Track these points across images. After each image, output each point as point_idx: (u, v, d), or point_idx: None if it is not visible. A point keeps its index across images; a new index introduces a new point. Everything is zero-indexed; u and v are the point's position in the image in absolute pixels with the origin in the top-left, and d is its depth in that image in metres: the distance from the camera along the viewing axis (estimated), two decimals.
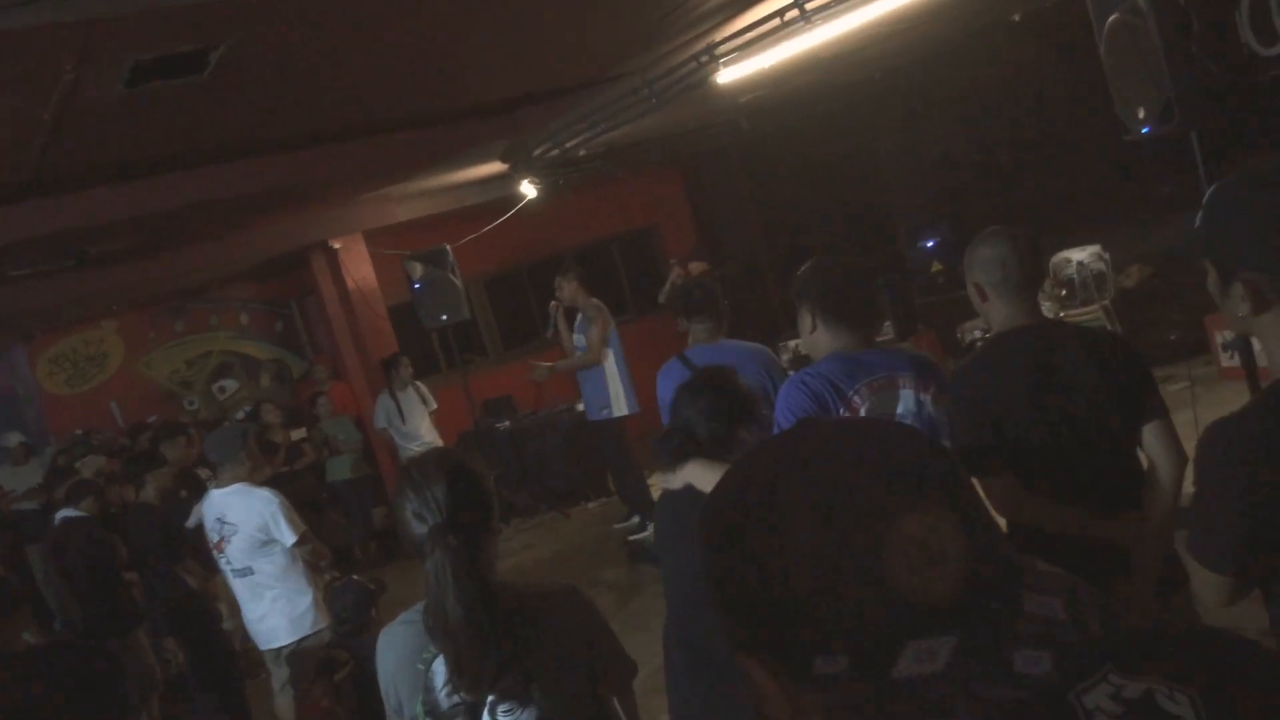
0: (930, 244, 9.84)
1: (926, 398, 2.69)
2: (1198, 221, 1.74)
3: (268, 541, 4.69)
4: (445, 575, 1.95)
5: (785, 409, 2.71)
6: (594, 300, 7.50)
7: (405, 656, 2.04)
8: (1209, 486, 1.69)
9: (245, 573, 4.79)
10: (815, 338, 2.88)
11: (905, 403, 2.66)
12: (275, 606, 4.80)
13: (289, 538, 4.69)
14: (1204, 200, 1.72)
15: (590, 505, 8.87)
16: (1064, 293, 7.20)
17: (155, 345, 9.76)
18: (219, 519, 4.76)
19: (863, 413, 2.64)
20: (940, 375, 2.77)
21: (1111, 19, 3.76)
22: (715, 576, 0.75)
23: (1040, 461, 2.51)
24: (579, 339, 7.50)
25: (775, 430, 2.76)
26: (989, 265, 2.58)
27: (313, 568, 4.89)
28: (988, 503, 2.62)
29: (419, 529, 2.00)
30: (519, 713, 1.95)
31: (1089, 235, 7.71)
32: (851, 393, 2.66)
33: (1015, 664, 0.65)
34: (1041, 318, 2.66)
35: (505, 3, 4.60)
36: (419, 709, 2.00)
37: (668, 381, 4.05)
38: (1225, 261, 1.66)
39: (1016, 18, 7.81)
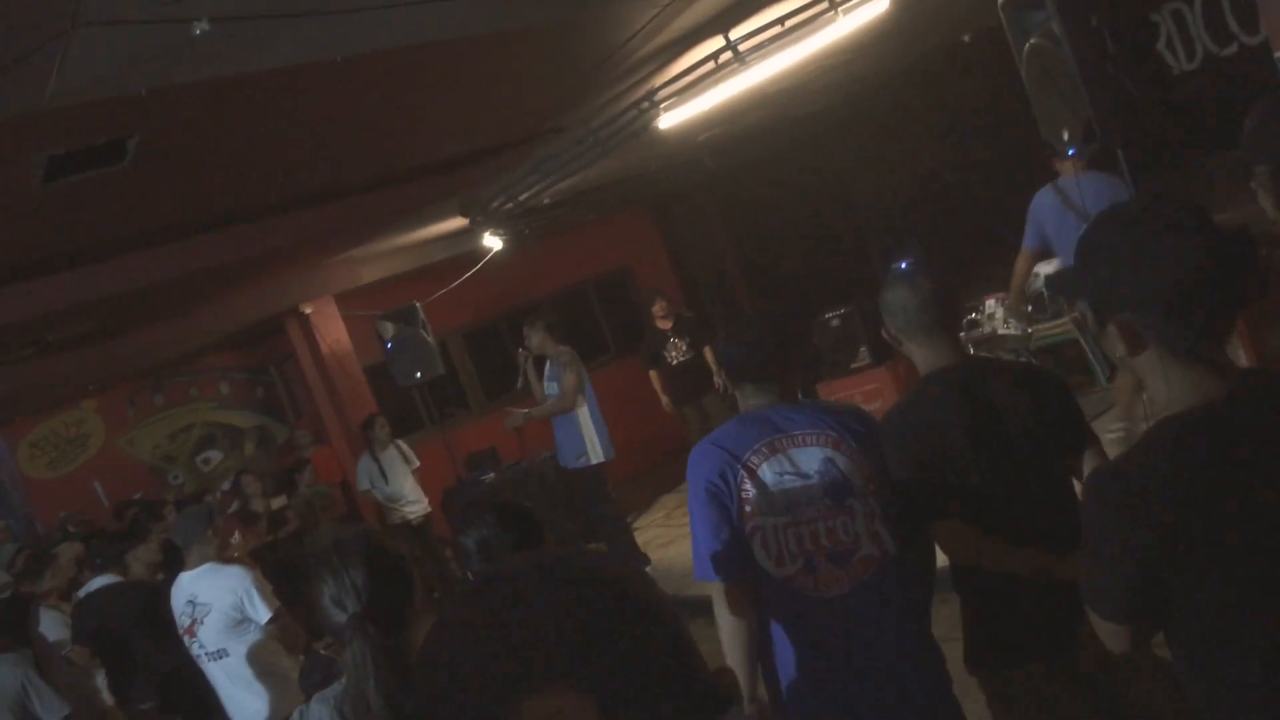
0: (903, 266, 9.83)
1: (839, 455, 2.57)
2: (1070, 265, 1.72)
3: (242, 620, 4.61)
4: (365, 665, 1.91)
5: (692, 477, 2.66)
6: (564, 347, 7.50)
7: None
8: (1094, 535, 1.66)
9: (219, 655, 4.69)
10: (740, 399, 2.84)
11: (810, 461, 2.59)
12: (253, 689, 4.71)
13: (263, 615, 4.61)
14: (1076, 242, 1.70)
15: (592, 548, 8.81)
16: (1030, 308, 7.18)
17: (136, 422, 9.75)
18: (190, 601, 4.67)
19: (762, 474, 2.57)
20: (867, 426, 2.68)
21: (1028, 44, 3.78)
22: None
23: (984, 502, 2.48)
24: (551, 386, 7.49)
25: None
26: (892, 310, 2.59)
27: (287, 647, 4.81)
28: (940, 545, 2.58)
29: (337, 616, 1.97)
30: None
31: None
32: (748, 455, 2.60)
33: None
34: (964, 356, 2.64)
35: (440, 66, 4.62)
36: None
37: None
38: (1100, 303, 1.64)
39: (966, 39, 7.87)
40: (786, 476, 2.56)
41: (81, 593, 5.36)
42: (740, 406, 2.79)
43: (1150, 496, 1.56)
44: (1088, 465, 2.53)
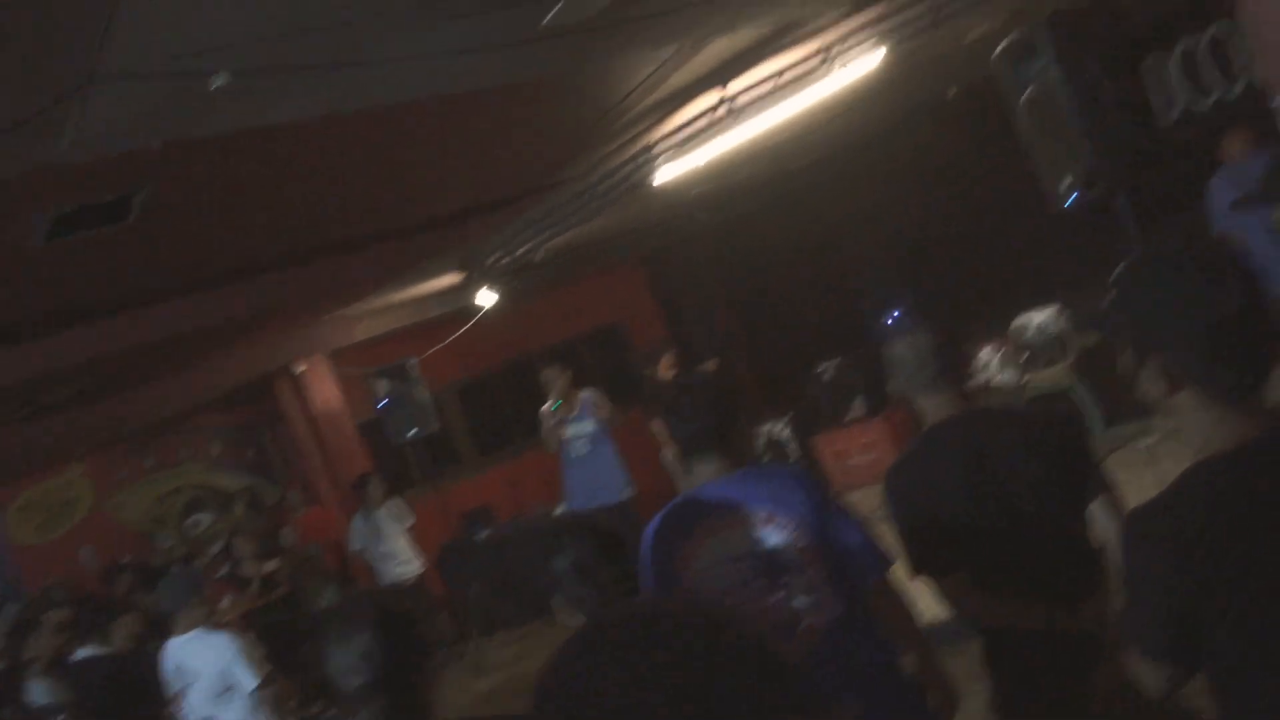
0: (895, 316, 9.88)
1: (771, 531, 2.45)
2: (1106, 303, 1.73)
3: (228, 688, 4.53)
4: None
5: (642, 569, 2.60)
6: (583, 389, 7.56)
7: None
8: (1135, 574, 1.65)
9: None
10: None
11: (741, 543, 2.46)
12: None
13: (250, 682, 4.53)
14: (1111, 280, 1.72)
15: None
16: (1026, 357, 7.21)
17: (125, 485, 9.62)
18: (177, 667, 4.61)
19: (697, 562, 2.47)
20: (805, 491, 2.51)
21: (1025, 94, 3.82)
22: None
23: (988, 556, 2.44)
24: (583, 426, 7.44)
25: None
26: (894, 366, 2.58)
27: (279, 713, 4.72)
28: (947, 601, 2.54)
29: (345, 686, 1.91)
30: None
31: (1049, 296, 7.78)
32: (682, 542, 2.50)
33: None
34: (968, 406, 2.62)
35: (440, 121, 4.66)
36: None
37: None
38: (1136, 343, 1.65)
39: (952, 93, 7.99)
40: (719, 562, 2.47)
41: (70, 660, 5.25)
42: (684, 480, 2.72)
43: (1187, 539, 1.56)
44: (1100, 513, 2.49)
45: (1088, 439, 2.61)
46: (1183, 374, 1.60)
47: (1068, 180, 3.77)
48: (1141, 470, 2.61)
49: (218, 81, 2.40)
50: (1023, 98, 3.82)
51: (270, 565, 8.56)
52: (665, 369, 9.26)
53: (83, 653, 5.22)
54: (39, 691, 4.64)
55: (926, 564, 2.43)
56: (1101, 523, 2.48)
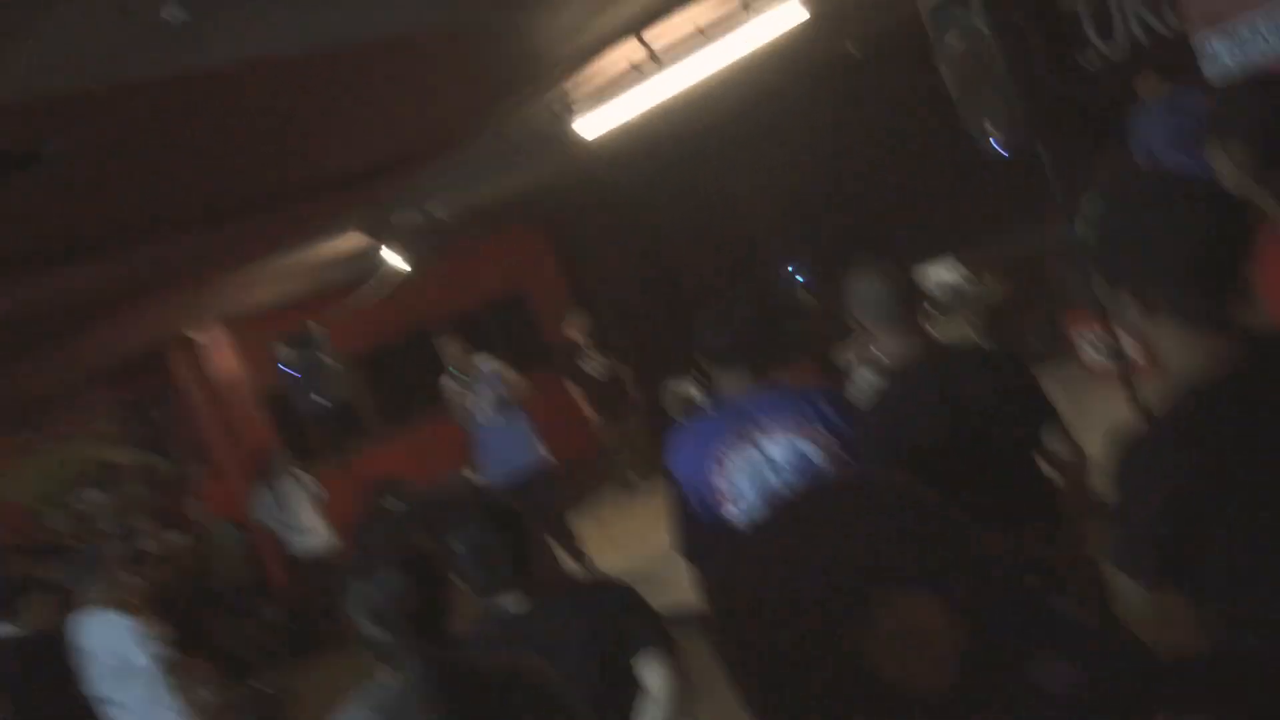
0: (799, 274, 10.05)
1: (808, 444, 2.59)
2: (1081, 231, 1.77)
3: (124, 667, 4.39)
4: (421, 687, 1.78)
5: (669, 463, 2.69)
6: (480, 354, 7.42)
7: None
8: (1127, 501, 1.69)
9: (108, 703, 4.48)
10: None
11: (779, 450, 2.61)
12: None
13: (143, 662, 4.40)
14: (1087, 211, 1.76)
15: None
16: (932, 311, 7.41)
17: (12, 462, 9.12)
18: (77, 648, 4.47)
19: (731, 464, 2.61)
20: (841, 410, 2.67)
21: (952, 43, 3.89)
22: (728, 665, 0.69)
23: (955, 489, 2.50)
24: (486, 393, 7.30)
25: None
26: (861, 300, 2.61)
27: (187, 687, 4.58)
28: None
29: (378, 632, 1.83)
30: None
31: (943, 249, 8.00)
32: (718, 445, 2.65)
33: None
34: (932, 343, 2.68)
35: (347, 72, 4.49)
36: None
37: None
38: (1113, 274, 1.69)
39: (852, 50, 8.09)
40: (756, 465, 2.60)
41: None
42: (715, 392, 2.81)
43: (1176, 463, 1.61)
44: (1049, 439, 2.61)
45: (1033, 372, 2.70)
46: (1157, 300, 1.64)
47: (992, 130, 3.87)
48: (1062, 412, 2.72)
49: (171, 14, 2.24)
50: (949, 46, 3.89)
51: (172, 539, 8.26)
52: (572, 331, 9.23)
53: None
54: None
55: None
56: (1051, 448, 2.60)
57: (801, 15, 5.21)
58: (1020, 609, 0.67)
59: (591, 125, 6.00)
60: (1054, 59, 3.66)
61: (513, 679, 1.94)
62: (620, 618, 2.40)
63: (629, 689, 2.35)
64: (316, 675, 7.52)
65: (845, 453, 2.62)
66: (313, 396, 7.73)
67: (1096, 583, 2.49)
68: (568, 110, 5.68)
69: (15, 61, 2.42)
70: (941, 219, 8.53)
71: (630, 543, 7.69)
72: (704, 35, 5.29)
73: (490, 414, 7.26)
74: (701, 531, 2.68)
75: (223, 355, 9.09)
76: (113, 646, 4.41)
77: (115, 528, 8.60)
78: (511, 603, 2.38)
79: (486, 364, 7.40)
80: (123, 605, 4.59)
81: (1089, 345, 6.94)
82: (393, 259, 8.07)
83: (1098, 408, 4.09)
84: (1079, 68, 3.71)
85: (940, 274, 7.91)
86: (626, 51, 5.42)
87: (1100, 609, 2.49)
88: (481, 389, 7.30)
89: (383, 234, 7.62)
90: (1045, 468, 2.65)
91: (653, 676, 2.35)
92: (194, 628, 7.09)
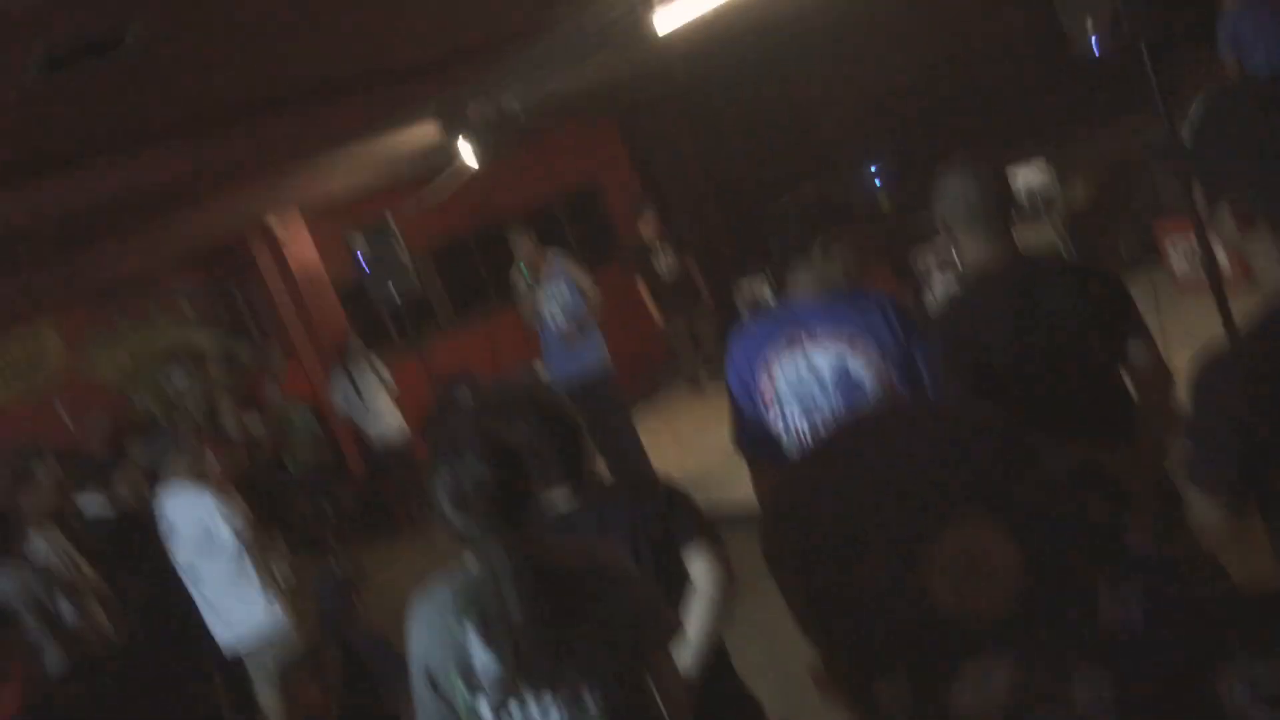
0: (877, 176, 9.79)
1: (852, 356, 2.54)
2: (1185, 137, 1.70)
3: (208, 540, 4.59)
4: (503, 573, 1.82)
5: (726, 363, 2.73)
6: (552, 249, 7.34)
7: (439, 628, 1.93)
8: (1200, 412, 1.65)
9: (192, 574, 4.71)
10: None
11: (824, 361, 2.59)
12: (225, 607, 4.71)
13: (227, 535, 4.59)
14: (1189, 119, 1.68)
15: None
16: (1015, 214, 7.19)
17: (96, 342, 9.46)
18: (163, 519, 4.68)
19: (779, 369, 2.63)
20: (894, 320, 2.59)
21: None
22: (787, 596, 0.69)
23: (1030, 399, 2.46)
24: (559, 292, 7.14)
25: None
26: (951, 200, 2.52)
27: (265, 564, 4.78)
28: None
29: (461, 517, 1.87)
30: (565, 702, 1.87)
31: (1032, 150, 7.71)
32: (768, 350, 2.66)
33: (1076, 687, 0.59)
34: (1017, 252, 2.60)
35: None
36: (457, 681, 1.90)
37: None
38: (1210, 183, 1.63)
39: None
40: (801, 375, 2.62)
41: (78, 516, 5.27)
42: (781, 293, 2.80)
43: (1260, 379, 1.56)
44: (1134, 353, 2.53)
45: (1126, 287, 2.61)
46: (1256, 212, 1.58)
47: (1090, 26, 3.68)
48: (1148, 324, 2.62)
49: None
50: None
51: (252, 422, 8.54)
52: (644, 227, 9.17)
53: (86, 503, 5.24)
54: (41, 544, 4.64)
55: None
56: (1133, 364, 2.52)
57: None
58: (1087, 539, 0.65)
59: (668, 19, 5.84)
60: None
61: (591, 564, 1.98)
62: (665, 514, 2.43)
63: (676, 584, 2.39)
64: (389, 558, 7.82)
65: (897, 370, 2.57)
66: (385, 286, 7.82)
67: (1173, 505, 2.44)
68: (644, 2, 5.53)
69: None
70: (1031, 118, 8.20)
71: (696, 441, 7.74)
72: None
73: (558, 316, 7.13)
74: (754, 431, 2.73)
75: (301, 244, 9.24)
76: (196, 519, 4.60)
77: (199, 408, 8.91)
78: (560, 500, 2.42)
79: (558, 261, 7.29)
80: (205, 480, 4.79)
81: (1181, 255, 6.69)
82: (466, 151, 8.05)
83: (1186, 320, 3.95)
84: None
85: (1028, 176, 7.64)
86: None
87: (1176, 533, 2.45)
88: (551, 289, 7.17)
89: (457, 125, 7.58)
90: (1128, 383, 2.58)
91: (699, 571, 2.39)
92: (272, 507, 7.38)
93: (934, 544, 0.61)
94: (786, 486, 0.73)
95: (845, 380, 2.54)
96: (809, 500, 0.68)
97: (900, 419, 0.74)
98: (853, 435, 0.72)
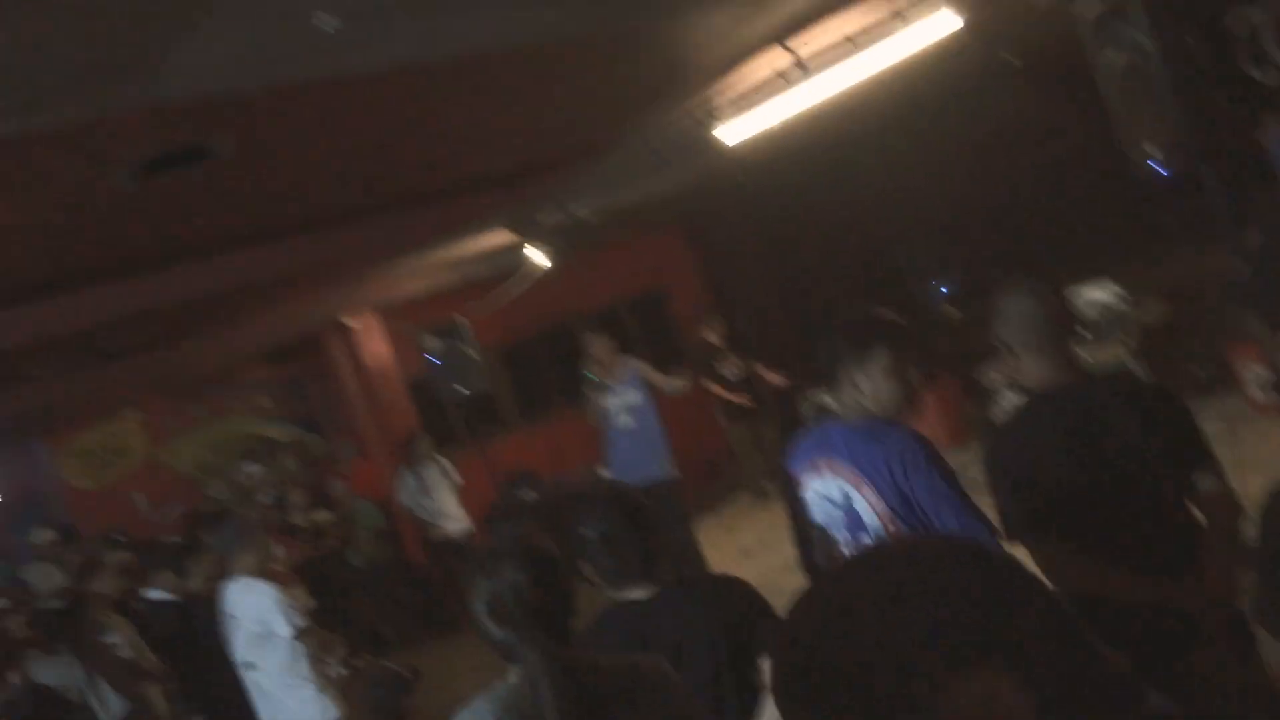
0: (944, 289, 9.78)
1: (854, 493, 2.52)
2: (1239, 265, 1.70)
3: (267, 635, 4.63)
4: (543, 685, 1.78)
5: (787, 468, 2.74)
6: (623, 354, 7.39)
7: None
8: (1276, 549, 1.60)
9: (249, 667, 4.74)
10: None
11: (834, 490, 2.58)
12: (275, 703, 4.73)
13: (286, 631, 4.62)
14: (1246, 248, 1.68)
15: None
16: (1086, 334, 7.09)
17: (177, 433, 9.76)
18: (225, 612, 4.74)
19: (807, 486, 2.66)
20: (905, 456, 2.49)
21: (1115, 60, 3.73)
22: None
23: (1089, 526, 2.41)
24: (628, 395, 7.10)
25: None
26: (1012, 321, 2.52)
27: (321, 660, 4.80)
28: (1041, 571, 2.51)
29: (499, 629, 1.84)
30: None
31: (1099, 273, 7.64)
32: (803, 467, 2.70)
33: None
34: (1078, 371, 2.58)
35: (491, 82, 4.62)
36: None
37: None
38: (1270, 310, 1.62)
39: (1017, 64, 7.82)
40: (821, 497, 2.63)
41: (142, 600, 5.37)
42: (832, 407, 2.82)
43: None
44: (1203, 484, 2.46)
45: (1191, 411, 2.56)
46: None
47: (1154, 150, 3.69)
48: (1221, 449, 2.55)
49: (323, 21, 2.39)
50: (1111, 63, 3.73)
51: (320, 516, 8.66)
52: (709, 333, 9.24)
53: (153, 593, 5.34)
54: (105, 631, 4.74)
55: (1025, 530, 2.41)
56: (1202, 495, 2.45)
57: (954, 24, 5.08)
58: (1107, 691, 0.65)
59: (734, 131, 6.00)
60: (1222, 77, 3.46)
61: (634, 678, 1.95)
62: (748, 616, 2.37)
63: (750, 687, 2.34)
64: (448, 655, 7.78)
65: (901, 510, 2.51)
66: (454, 385, 7.98)
67: (1241, 639, 2.34)
68: (711, 116, 5.70)
69: (182, 65, 2.60)
70: (1097, 238, 8.16)
71: (759, 551, 7.65)
72: (852, 44, 5.21)
73: (628, 418, 7.10)
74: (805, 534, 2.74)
75: (374, 342, 9.49)
76: (258, 614, 4.64)
77: (269, 500, 9.08)
78: (639, 594, 2.40)
79: (630, 363, 7.31)
80: (270, 575, 4.85)
81: (1254, 379, 6.53)
82: (535, 255, 8.27)
83: (1260, 446, 3.83)
84: (1252, 86, 3.50)
85: (1094, 294, 7.56)
86: (771, 59, 5.40)
87: (1244, 668, 2.35)
88: (620, 390, 7.14)
89: (527, 232, 7.80)
90: (1195, 513, 2.50)
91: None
92: (333, 602, 7.43)
93: (943, 693, 0.60)
94: (786, 639, 0.73)
95: (852, 513, 2.53)
96: (810, 655, 0.67)
97: (906, 563, 0.73)
98: (847, 584, 0.71)
